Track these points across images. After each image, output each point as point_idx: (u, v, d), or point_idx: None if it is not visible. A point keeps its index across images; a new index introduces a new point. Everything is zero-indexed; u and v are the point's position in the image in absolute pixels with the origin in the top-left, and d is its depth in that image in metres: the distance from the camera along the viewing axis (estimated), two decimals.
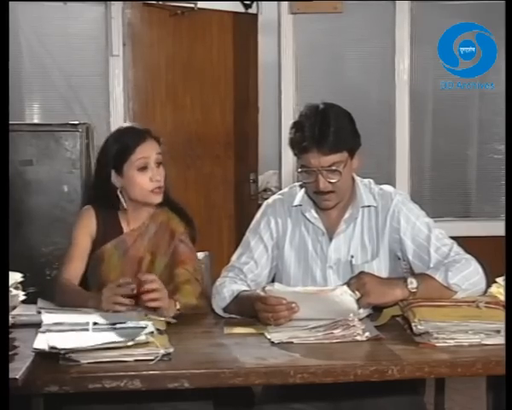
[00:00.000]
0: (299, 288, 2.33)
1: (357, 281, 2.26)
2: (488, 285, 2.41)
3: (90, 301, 2.34)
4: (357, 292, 2.22)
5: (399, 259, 2.53)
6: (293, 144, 2.45)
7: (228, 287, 2.44)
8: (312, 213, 2.53)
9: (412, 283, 2.28)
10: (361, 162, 2.50)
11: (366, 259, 2.49)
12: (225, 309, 2.42)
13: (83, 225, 2.62)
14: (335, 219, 2.53)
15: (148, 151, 2.56)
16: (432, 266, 2.41)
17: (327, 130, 2.36)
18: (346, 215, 2.52)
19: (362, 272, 2.32)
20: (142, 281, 2.32)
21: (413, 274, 2.42)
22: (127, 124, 2.70)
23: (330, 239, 2.51)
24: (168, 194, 2.63)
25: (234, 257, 2.58)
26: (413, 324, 2.10)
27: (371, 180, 2.59)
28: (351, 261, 2.49)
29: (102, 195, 2.60)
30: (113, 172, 2.57)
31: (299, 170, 2.46)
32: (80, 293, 2.47)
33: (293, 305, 2.21)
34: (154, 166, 2.55)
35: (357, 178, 2.57)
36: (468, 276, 2.34)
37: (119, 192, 2.58)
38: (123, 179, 2.56)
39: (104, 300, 2.31)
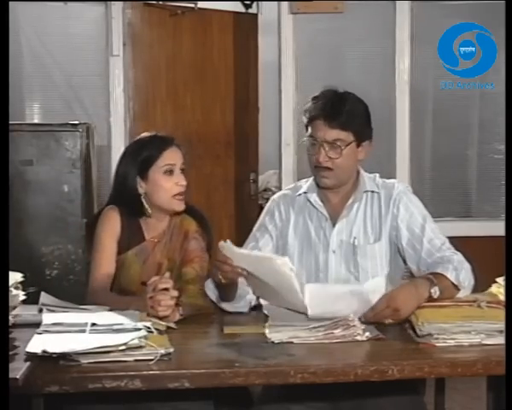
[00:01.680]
0: (247, 251, 2.39)
1: (392, 311, 2.20)
2: (476, 284, 2.42)
3: (132, 307, 2.27)
4: (390, 320, 2.20)
5: (398, 251, 2.55)
6: (305, 113, 2.53)
7: None
8: (316, 200, 2.58)
9: (436, 292, 2.26)
10: (367, 155, 2.56)
11: (368, 241, 2.52)
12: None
13: (108, 227, 2.59)
14: (338, 206, 2.57)
15: (174, 157, 2.57)
16: (423, 255, 2.46)
17: (339, 107, 2.46)
18: (350, 201, 2.56)
19: (394, 294, 2.23)
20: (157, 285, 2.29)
21: (430, 275, 2.35)
22: (150, 133, 2.65)
23: (333, 225, 2.55)
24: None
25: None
26: (417, 326, 2.10)
27: (377, 174, 2.64)
28: (353, 243, 2.52)
29: (125, 201, 2.59)
30: (137, 179, 2.56)
31: (305, 138, 2.53)
32: (118, 300, 2.42)
33: (240, 270, 2.26)
34: (179, 172, 2.57)
35: (362, 170, 2.61)
36: (466, 273, 2.38)
37: (142, 198, 2.56)
38: (147, 185, 2.56)
39: (149, 304, 2.26)
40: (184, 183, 2.57)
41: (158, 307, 2.24)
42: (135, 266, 2.58)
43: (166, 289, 2.27)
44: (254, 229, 2.66)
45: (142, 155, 2.56)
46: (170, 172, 2.55)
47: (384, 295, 2.23)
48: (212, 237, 2.67)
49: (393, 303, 2.21)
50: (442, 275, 2.33)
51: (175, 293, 2.28)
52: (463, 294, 2.34)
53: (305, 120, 2.54)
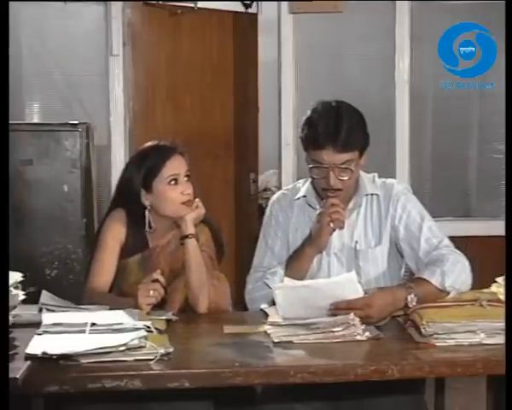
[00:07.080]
0: (308, 281, 2.35)
1: (364, 315, 2.18)
2: (476, 284, 2.41)
3: (127, 305, 2.29)
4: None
5: (397, 251, 2.55)
6: (307, 140, 2.47)
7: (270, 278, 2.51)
8: (316, 204, 2.56)
9: (412, 301, 2.26)
10: (367, 160, 2.54)
11: (370, 245, 2.52)
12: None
13: (113, 229, 2.58)
14: None
15: (177, 166, 2.54)
16: (420, 255, 2.45)
17: (341, 128, 2.40)
18: (350, 205, 2.55)
19: (372, 301, 2.23)
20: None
21: (411, 280, 2.42)
22: (152, 142, 2.63)
23: (334, 228, 2.53)
24: None
25: (255, 261, 2.61)
26: (421, 326, 2.09)
27: (375, 174, 2.63)
28: (355, 247, 2.52)
29: (131, 213, 2.58)
30: (142, 191, 2.54)
31: (311, 166, 2.48)
32: (115, 300, 2.43)
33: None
34: (183, 180, 2.54)
35: (361, 172, 2.59)
36: (459, 275, 2.36)
37: (147, 211, 2.54)
38: (152, 196, 2.53)
39: (139, 295, 2.32)
40: (190, 191, 2.53)
41: (148, 293, 2.31)
42: (135, 273, 2.56)
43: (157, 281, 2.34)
44: (261, 236, 2.64)
45: (144, 167, 2.54)
46: (175, 181, 2.52)
47: (363, 298, 2.21)
48: (223, 247, 2.68)
49: (368, 309, 2.20)
50: (426, 280, 2.32)
51: (163, 280, 2.35)
52: (456, 292, 2.33)
53: (306, 147, 2.48)
